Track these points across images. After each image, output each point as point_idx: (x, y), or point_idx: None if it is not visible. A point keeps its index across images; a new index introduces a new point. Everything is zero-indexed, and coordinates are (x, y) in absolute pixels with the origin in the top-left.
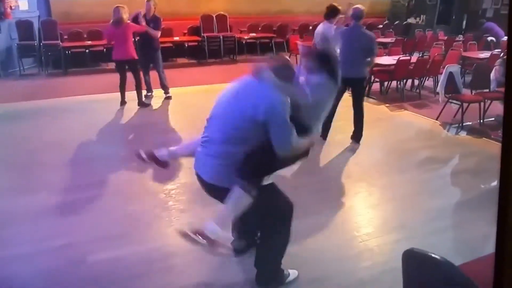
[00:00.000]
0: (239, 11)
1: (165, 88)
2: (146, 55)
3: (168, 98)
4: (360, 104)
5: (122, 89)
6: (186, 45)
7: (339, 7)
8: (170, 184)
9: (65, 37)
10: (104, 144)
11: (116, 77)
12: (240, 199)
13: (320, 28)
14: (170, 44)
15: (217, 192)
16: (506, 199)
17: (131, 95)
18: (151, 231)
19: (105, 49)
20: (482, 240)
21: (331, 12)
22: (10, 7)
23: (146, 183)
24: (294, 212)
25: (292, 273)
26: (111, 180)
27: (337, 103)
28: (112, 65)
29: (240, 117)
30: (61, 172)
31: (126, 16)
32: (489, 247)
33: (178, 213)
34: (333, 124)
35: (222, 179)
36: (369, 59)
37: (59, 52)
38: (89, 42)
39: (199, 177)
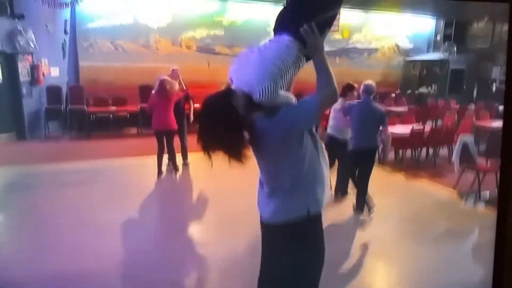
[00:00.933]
0: None
1: (186, 154)
2: (179, 121)
3: (186, 164)
4: (367, 177)
5: (161, 159)
6: None
7: (355, 84)
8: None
9: (91, 102)
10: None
11: (138, 142)
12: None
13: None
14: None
15: None
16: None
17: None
18: None
19: (128, 115)
20: None
21: (347, 89)
22: (43, 73)
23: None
24: None
25: None
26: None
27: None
28: (134, 130)
29: None
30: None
31: (170, 88)
32: None
33: None
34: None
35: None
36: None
37: (84, 117)
38: (114, 108)
39: None
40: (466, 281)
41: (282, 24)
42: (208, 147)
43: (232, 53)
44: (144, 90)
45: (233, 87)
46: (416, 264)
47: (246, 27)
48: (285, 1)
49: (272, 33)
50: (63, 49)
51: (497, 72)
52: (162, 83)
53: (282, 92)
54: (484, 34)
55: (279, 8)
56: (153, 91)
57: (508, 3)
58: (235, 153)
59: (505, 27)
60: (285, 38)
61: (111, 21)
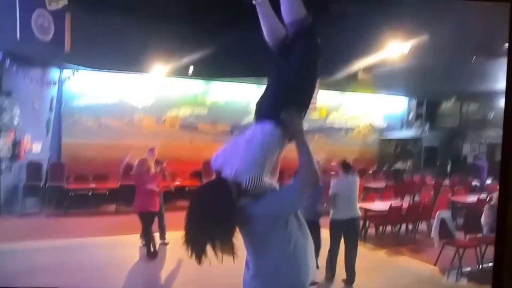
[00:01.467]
0: None
1: (163, 232)
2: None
3: (165, 244)
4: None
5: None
6: (187, 189)
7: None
8: None
9: (71, 179)
10: None
11: (115, 220)
12: None
13: None
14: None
15: None
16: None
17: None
18: None
19: (107, 192)
20: None
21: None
22: (25, 150)
23: None
24: None
25: None
26: None
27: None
28: (112, 208)
29: None
30: None
31: (146, 168)
32: None
33: None
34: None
35: None
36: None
37: (63, 193)
38: (93, 185)
39: None
40: None
41: (263, 112)
42: (199, 241)
43: (215, 130)
44: (126, 167)
45: (222, 175)
46: None
47: (228, 107)
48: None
49: (253, 114)
50: (47, 126)
51: (468, 149)
52: (144, 163)
53: (267, 179)
54: (453, 113)
55: (261, 88)
56: (131, 172)
57: (509, 3)
58: (229, 244)
59: (472, 107)
60: (268, 127)
61: (97, 99)
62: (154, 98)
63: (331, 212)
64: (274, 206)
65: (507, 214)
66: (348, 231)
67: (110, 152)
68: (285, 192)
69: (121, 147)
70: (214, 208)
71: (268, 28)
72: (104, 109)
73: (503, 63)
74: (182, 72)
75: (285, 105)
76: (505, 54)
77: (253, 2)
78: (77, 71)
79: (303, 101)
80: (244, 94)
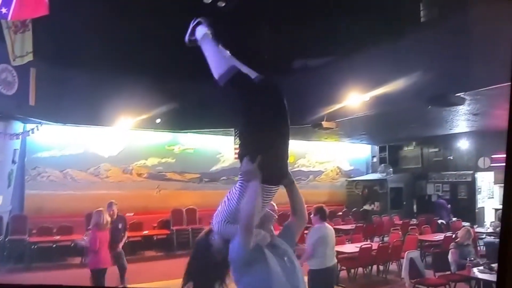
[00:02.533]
0: (209, 204)
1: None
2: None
3: None
4: None
5: None
6: (155, 238)
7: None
8: None
9: (34, 231)
10: None
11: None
12: None
13: None
14: (139, 238)
15: None
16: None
17: None
18: None
19: (72, 244)
20: None
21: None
22: None
23: None
24: None
25: None
26: None
27: None
28: (78, 260)
29: None
30: None
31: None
32: None
33: None
34: None
35: None
36: None
37: (24, 247)
38: (58, 237)
39: None
40: None
41: None
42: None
43: (183, 178)
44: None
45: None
46: None
47: (197, 155)
48: (233, 133)
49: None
50: (9, 178)
51: (432, 188)
52: (99, 215)
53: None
54: (414, 156)
55: (229, 138)
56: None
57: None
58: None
59: (432, 150)
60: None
61: (62, 151)
62: (121, 148)
63: (311, 262)
64: (231, 250)
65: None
66: (329, 280)
67: (75, 204)
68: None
69: (86, 198)
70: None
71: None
72: (69, 160)
73: (456, 110)
74: (149, 124)
75: (241, 152)
76: (458, 104)
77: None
78: (41, 125)
79: (256, 147)
80: (212, 143)
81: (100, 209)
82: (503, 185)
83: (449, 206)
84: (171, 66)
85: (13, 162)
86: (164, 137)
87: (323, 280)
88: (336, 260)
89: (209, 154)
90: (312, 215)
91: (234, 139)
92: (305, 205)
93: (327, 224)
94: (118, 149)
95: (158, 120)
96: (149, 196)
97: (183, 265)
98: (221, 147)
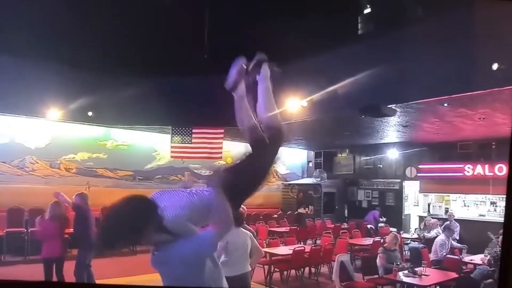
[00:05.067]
0: None
1: None
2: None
3: None
4: None
5: None
6: None
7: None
8: None
9: None
10: None
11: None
12: None
13: None
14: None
15: None
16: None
17: None
18: None
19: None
20: None
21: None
22: None
23: None
24: None
25: None
26: None
27: None
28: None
29: None
30: None
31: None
32: None
33: None
34: None
35: None
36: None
37: None
38: None
39: None
40: None
41: None
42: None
43: (115, 176)
44: (13, 213)
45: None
46: None
47: (131, 152)
48: (170, 131)
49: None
50: None
51: (362, 194)
52: (56, 207)
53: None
54: (347, 163)
55: (165, 136)
56: (42, 217)
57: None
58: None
59: (364, 158)
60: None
61: None
62: (49, 141)
63: (225, 268)
64: (193, 247)
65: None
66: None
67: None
68: (204, 236)
69: (9, 192)
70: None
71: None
72: None
73: (387, 121)
74: (80, 117)
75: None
76: (390, 115)
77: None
78: None
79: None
80: (147, 140)
81: (55, 201)
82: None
83: (378, 212)
84: (107, 59)
85: None
86: (96, 131)
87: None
88: (250, 269)
89: (144, 151)
90: None
91: (171, 137)
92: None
93: (241, 229)
94: (45, 141)
95: (90, 113)
96: (77, 191)
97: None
98: (157, 144)
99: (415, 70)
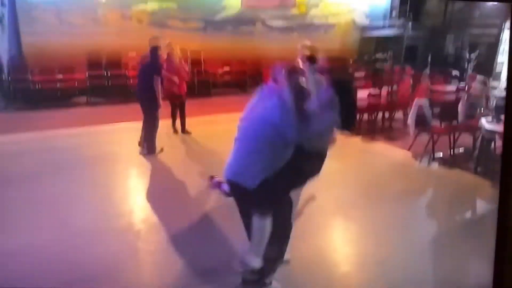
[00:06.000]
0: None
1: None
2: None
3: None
4: None
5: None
6: None
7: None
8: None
9: (36, 71)
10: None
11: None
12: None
13: None
14: None
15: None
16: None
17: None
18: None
19: (76, 83)
20: (462, 272)
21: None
22: None
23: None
24: None
25: None
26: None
27: None
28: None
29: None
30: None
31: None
32: (468, 279)
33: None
34: None
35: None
36: None
37: (28, 86)
38: (60, 76)
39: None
40: (420, 237)
41: None
42: None
43: (186, 27)
44: (92, 59)
45: None
46: (374, 224)
47: (200, 1)
48: None
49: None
50: (1, 22)
51: (450, 45)
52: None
53: None
54: (437, 11)
55: None
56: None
57: (510, 3)
58: None
59: (457, 5)
60: None
61: None
62: None
63: None
64: None
65: (508, 217)
66: None
67: (73, 51)
68: None
69: (84, 47)
70: None
71: None
72: (64, 3)
73: None
74: None
75: None
76: None
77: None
78: None
79: None
80: None
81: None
82: None
83: (465, 58)
84: None
85: (2, 4)
86: None
87: None
88: None
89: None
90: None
91: None
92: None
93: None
94: None
95: None
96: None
97: None
98: None
99: None
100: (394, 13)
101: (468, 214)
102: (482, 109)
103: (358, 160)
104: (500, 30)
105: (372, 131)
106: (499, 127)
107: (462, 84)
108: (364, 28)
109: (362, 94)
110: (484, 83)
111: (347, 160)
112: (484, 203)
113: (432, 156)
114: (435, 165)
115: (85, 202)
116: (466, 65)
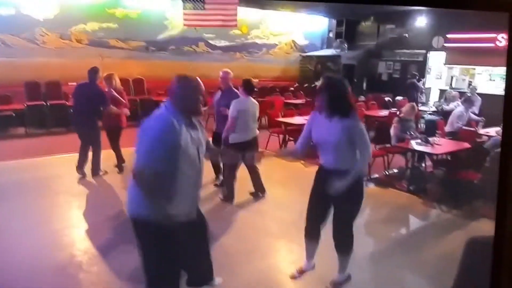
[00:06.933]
0: (158, 75)
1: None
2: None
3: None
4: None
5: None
6: None
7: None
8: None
9: None
10: None
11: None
12: None
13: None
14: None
15: None
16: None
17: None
18: None
19: (14, 114)
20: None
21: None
22: None
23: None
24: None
25: None
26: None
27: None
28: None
29: None
30: None
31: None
32: None
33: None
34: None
35: None
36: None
37: None
38: None
39: None
40: (359, 255)
41: None
42: None
43: (128, 47)
44: (31, 87)
45: None
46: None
47: (142, 20)
48: None
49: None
50: None
51: (383, 67)
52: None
53: None
54: (370, 32)
55: (176, 1)
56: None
57: (508, 13)
58: None
59: (389, 26)
60: None
61: None
62: (57, 10)
63: (232, 136)
64: None
65: (506, 220)
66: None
67: (12, 73)
68: None
69: (23, 67)
70: None
71: None
72: None
73: None
74: None
75: None
76: None
77: None
78: None
79: None
80: (159, 6)
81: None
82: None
83: (420, 83)
84: None
85: None
86: None
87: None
88: (257, 133)
89: (155, 19)
90: (239, 88)
91: (183, 4)
92: (257, 80)
93: (251, 99)
94: (53, 11)
95: None
96: (92, 64)
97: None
98: (168, 11)
99: None
100: (331, 34)
101: (403, 231)
102: (412, 131)
103: (297, 186)
104: (426, 54)
105: (313, 155)
106: (429, 148)
107: (394, 109)
108: (303, 48)
109: (302, 120)
110: (413, 108)
111: (288, 183)
112: (417, 219)
113: (368, 177)
114: (371, 186)
115: (22, 236)
116: (420, 90)
